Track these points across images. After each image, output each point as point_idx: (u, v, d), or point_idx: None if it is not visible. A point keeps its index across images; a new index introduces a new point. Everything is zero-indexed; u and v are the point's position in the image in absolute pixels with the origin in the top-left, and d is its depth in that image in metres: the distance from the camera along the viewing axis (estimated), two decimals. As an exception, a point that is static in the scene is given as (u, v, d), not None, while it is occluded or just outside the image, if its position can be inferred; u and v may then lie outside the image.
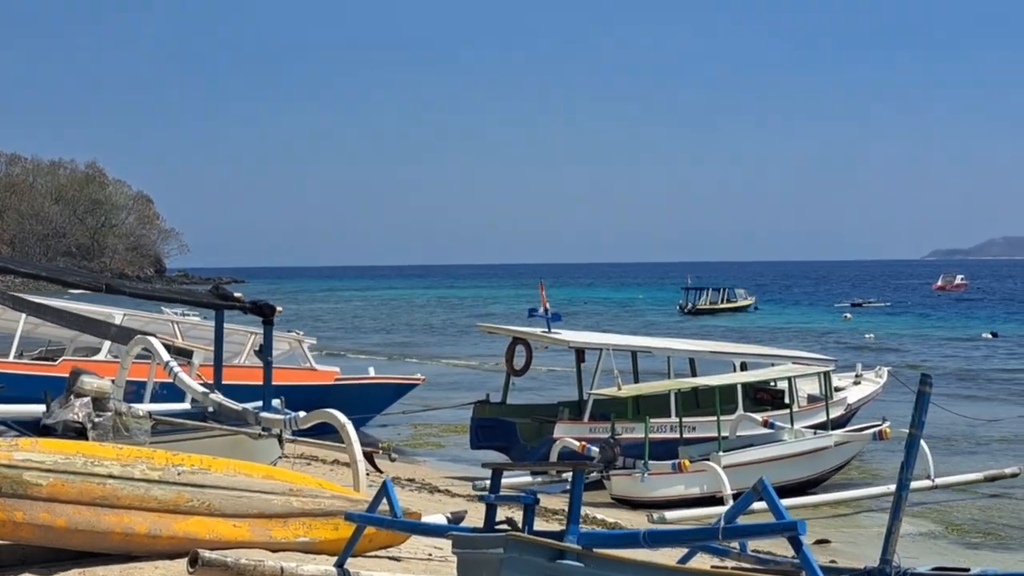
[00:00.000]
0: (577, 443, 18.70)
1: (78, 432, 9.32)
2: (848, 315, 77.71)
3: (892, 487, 7.75)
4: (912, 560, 8.22)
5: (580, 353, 22.75)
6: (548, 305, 22.51)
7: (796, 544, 6.10)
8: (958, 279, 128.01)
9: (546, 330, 22.45)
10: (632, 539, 7.12)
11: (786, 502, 7.33)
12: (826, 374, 22.65)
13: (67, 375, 10.10)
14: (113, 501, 8.15)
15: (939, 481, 17.82)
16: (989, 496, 18.32)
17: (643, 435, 18.20)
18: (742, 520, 7.57)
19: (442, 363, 40.04)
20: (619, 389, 20.36)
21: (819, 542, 14.60)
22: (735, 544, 7.70)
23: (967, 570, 8.18)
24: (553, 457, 18.39)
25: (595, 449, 18.28)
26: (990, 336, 57.73)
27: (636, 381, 22.37)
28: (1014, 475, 19.26)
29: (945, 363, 42.88)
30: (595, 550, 6.44)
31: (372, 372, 27.33)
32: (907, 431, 7.73)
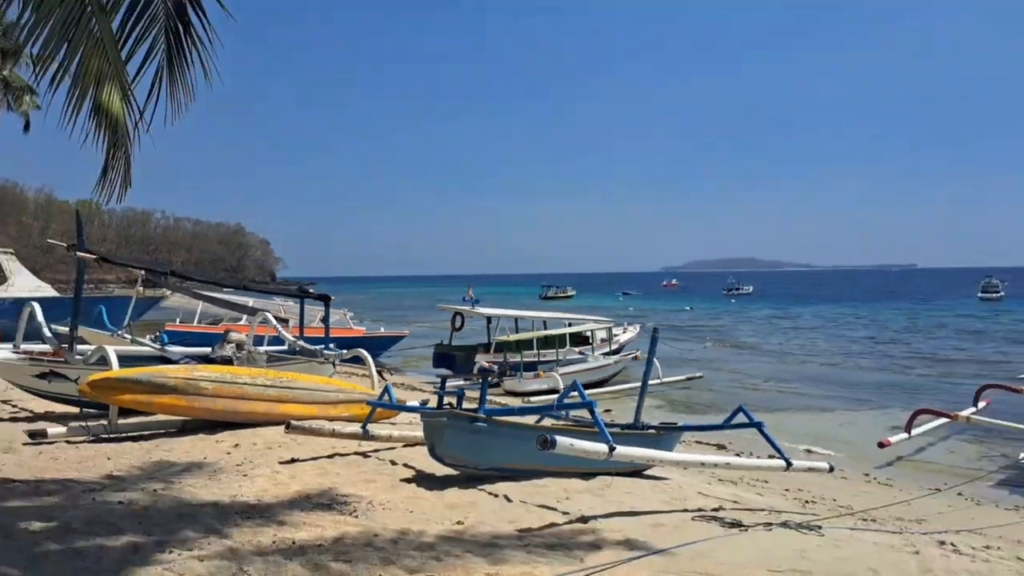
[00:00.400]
0: (487, 363, 18.71)
1: (227, 362, 9.09)
2: (621, 298, 78.79)
3: (639, 384, 7.91)
4: (649, 419, 8.39)
5: (489, 319, 22.75)
6: (473, 296, 22.68)
7: (592, 412, 6.18)
8: (674, 281, 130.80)
9: (472, 308, 22.54)
10: (512, 412, 7.15)
11: (588, 392, 7.43)
12: (609, 327, 22.93)
13: (223, 332, 9.85)
14: (246, 396, 8.01)
15: (664, 380, 18.07)
16: (687, 389, 18.68)
17: (520, 359, 18.26)
18: (568, 400, 7.64)
19: (417, 325, 39.46)
20: (508, 336, 20.41)
21: (605, 411, 14.75)
22: (564, 413, 7.79)
23: (676, 424, 8.38)
24: (475, 371, 18.38)
25: (496, 367, 18.32)
26: (689, 309, 58.97)
27: (516, 332, 22.38)
28: (699, 377, 19.70)
29: (667, 321, 43.51)
30: (493, 417, 6.45)
31: (382, 329, 27.06)
32: (647, 356, 7.90)
